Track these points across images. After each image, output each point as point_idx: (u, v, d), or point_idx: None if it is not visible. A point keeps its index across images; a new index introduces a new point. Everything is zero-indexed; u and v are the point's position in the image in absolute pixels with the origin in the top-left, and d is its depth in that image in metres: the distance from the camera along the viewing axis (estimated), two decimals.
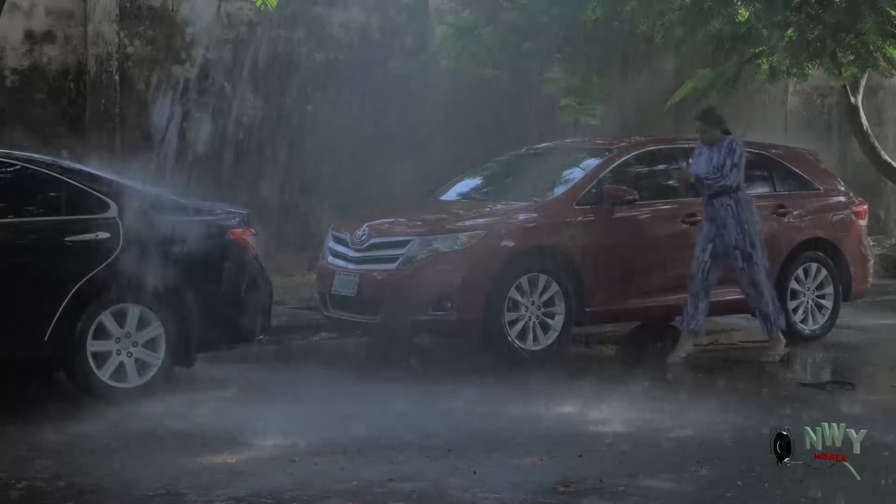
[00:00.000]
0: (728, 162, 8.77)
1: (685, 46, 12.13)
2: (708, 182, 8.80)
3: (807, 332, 9.95)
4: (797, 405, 7.27)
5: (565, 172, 9.66)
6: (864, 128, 15.88)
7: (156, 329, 7.27)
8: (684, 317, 8.92)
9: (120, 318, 7.19)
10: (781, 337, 8.97)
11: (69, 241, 7.06)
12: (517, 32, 12.73)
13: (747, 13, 11.88)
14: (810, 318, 10.01)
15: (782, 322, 9.01)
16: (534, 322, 8.75)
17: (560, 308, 8.80)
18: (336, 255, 9.26)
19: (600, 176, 9.30)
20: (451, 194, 10.06)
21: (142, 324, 7.25)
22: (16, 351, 7.00)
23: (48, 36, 12.12)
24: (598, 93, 13.04)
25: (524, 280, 8.72)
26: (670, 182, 9.69)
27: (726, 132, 8.96)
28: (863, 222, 10.59)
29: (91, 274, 7.06)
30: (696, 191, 9.02)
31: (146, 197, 7.47)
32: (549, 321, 8.79)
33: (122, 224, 7.20)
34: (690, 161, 9.18)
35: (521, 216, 9.09)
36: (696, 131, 9.09)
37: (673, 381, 7.88)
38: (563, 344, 8.90)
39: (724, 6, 11.63)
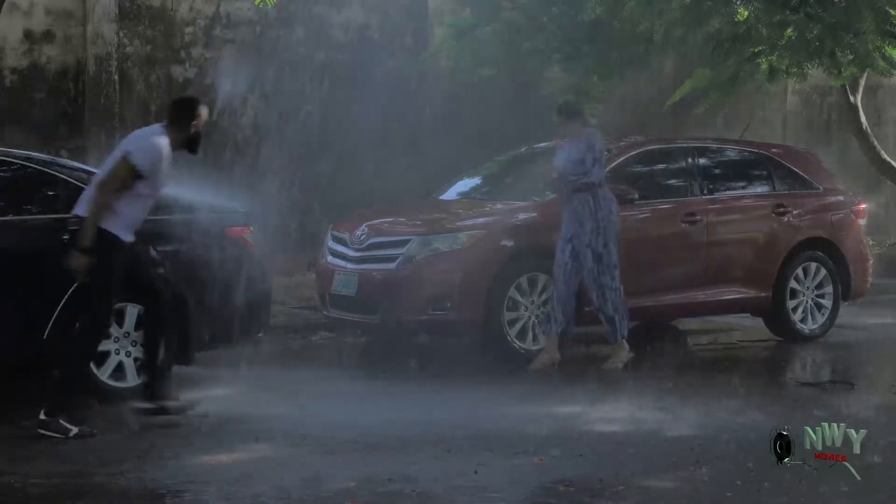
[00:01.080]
0: (589, 157, 8.36)
1: (685, 46, 12.14)
2: (571, 178, 8.43)
3: (806, 331, 9.96)
4: (797, 405, 7.28)
5: None
6: (864, 127, 15.91)
7: None
8: (549, 324, 8.48)
9: (118, 318, 7.16)
10: (626, 345, 8.57)
11: (68, 240, 7.02)
12: (517, 32, 12.73)
13: (747, 13, 11.88)
14: (809, 317, 10.01)
15: (626, 329, 8.57)
16: (533, 322, 8.74)
17: None
18: (335, 254, 9.26)
19: None
20: (450, 194, 10.06)
21: (140, 323, 7.23)
22: (14, 349, 6.98)
23: (47, 36, 12.12)
24: (598, 93, 13.04)
25: (524, 280, 8.72)
26: (671, 181, 9.69)
27: (586, 124, 8.68)
28: (862, 222, 10.60)
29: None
30: (556, 187, 8.63)
31: None
32: None
33: None
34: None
35: (521, 216, 9.07)
36: (555, 126, 8.71)
37: (672, 381, 7.86)
38: (563, 344, 8.88)
39: (724, 6, 11.64)
